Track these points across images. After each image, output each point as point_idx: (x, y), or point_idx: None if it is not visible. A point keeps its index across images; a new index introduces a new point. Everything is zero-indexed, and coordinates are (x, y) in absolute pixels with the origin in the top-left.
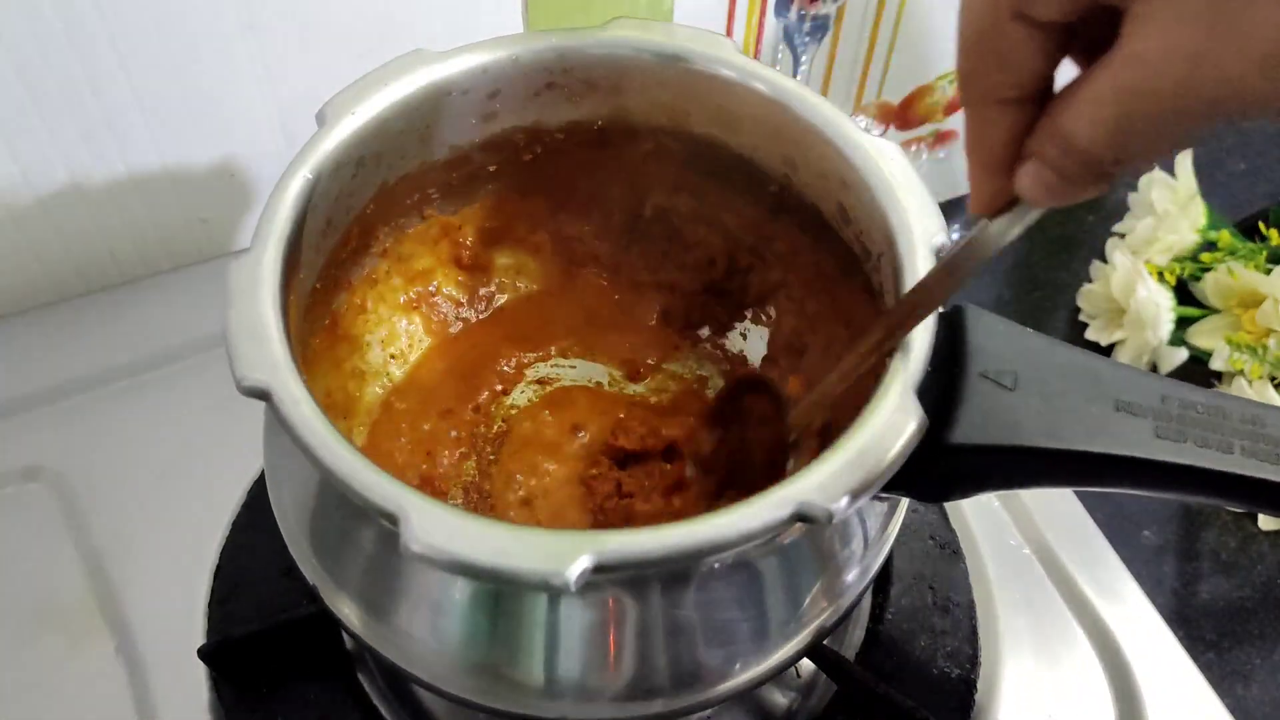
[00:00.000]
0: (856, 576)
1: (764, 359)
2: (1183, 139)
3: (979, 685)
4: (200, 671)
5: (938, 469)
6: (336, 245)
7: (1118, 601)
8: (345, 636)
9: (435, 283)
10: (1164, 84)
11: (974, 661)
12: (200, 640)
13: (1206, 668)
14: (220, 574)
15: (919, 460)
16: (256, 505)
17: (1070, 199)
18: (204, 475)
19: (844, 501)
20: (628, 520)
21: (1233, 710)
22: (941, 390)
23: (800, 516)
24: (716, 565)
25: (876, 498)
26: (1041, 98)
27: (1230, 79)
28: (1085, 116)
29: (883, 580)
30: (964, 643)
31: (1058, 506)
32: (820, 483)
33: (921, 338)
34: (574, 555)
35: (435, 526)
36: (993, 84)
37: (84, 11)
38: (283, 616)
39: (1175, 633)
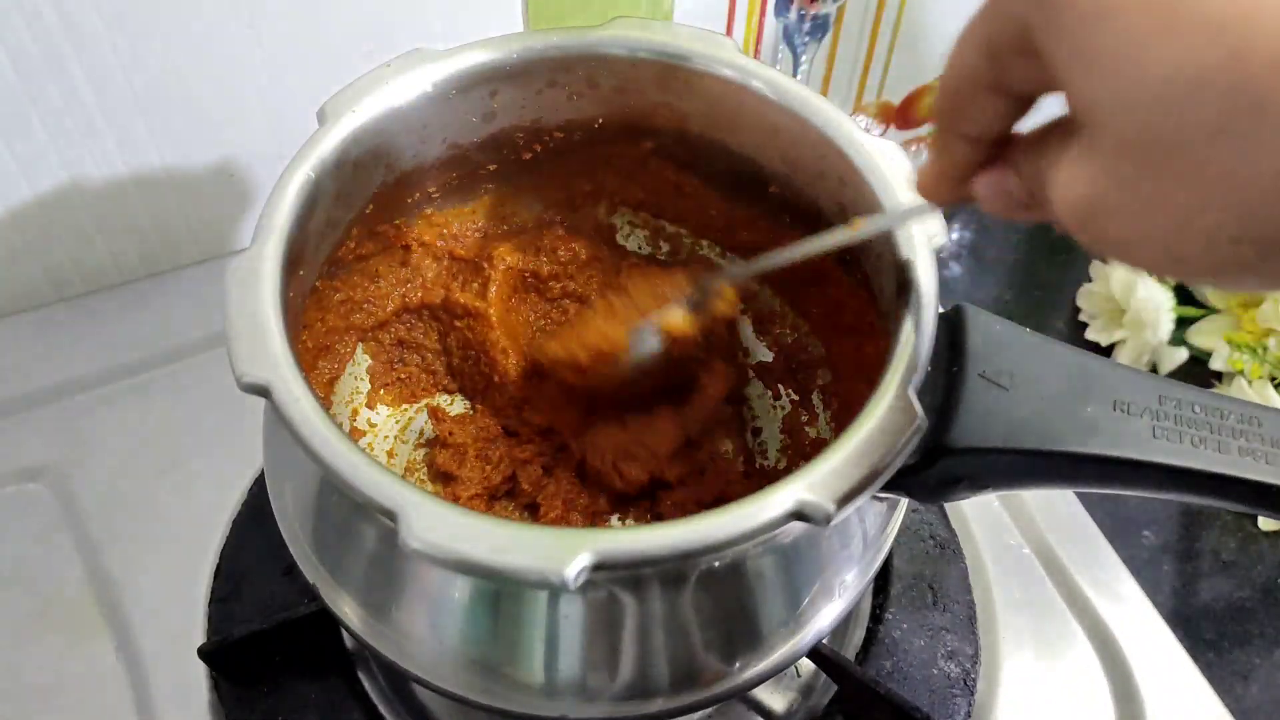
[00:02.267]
0: (855, 576)
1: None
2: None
3: (978, 685)
4: (200, 671)
5: (936, 469)
6: (336, 244)
7: (1117, 601)
8: (346, 636)
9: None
10: (1090, 220)
11: (973, 661)
12: (200, 639)
13: (1206, 668)
14: (220, 573)
15: (917, 460)
16: (257, 504)
17: (1018, 216)
18: (204, 475)
19: (842, 501)
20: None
21: (1232, 710)
22: (940, 390)
23: (799, 515)
24: (716, 564)
25: (875, 497)
26: (1003, 139)
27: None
28: (1059, 190)
29: (883, 580)
30: (964, 642)
31: (1058, 506)
32: (819, 482)
33: (921, 338)
34: (573, 553)
35: (435, 524)
36: (962, 127)
37: (84, 12)
38: (283, 616)
39: (1175, 633)
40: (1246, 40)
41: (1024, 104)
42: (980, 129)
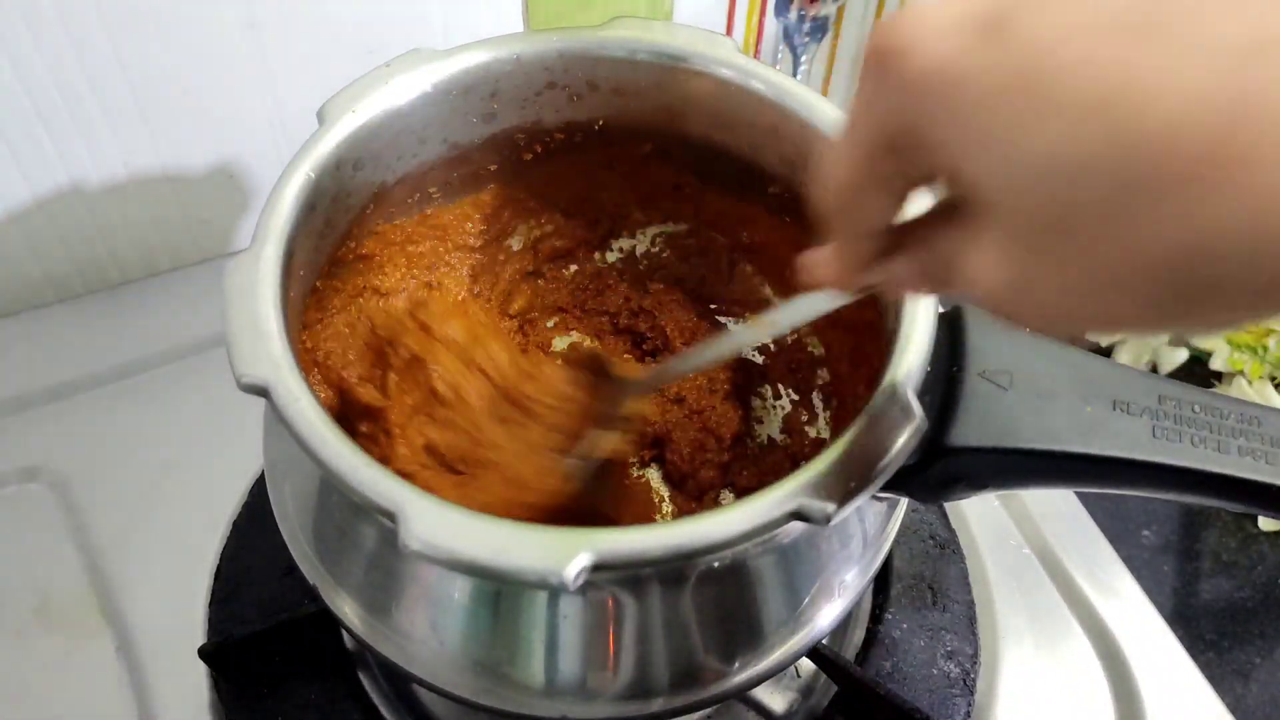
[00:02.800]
0: (855, 576)
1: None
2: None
3: (978, 685)
4: (201, 671)
5: (936, 469)
6: (336, 244)
7: (1117, 601)
8: (346, 636)
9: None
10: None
11: (973, 661)
12: (201, 640)
13: (1206, 667)
14: (221, 574)
15: (917, 461)
16: (257, 505)
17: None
18: (205, 475)
19: (842, 501)
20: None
21: (1232, 709)
22: (940, 391)
23: (798, 516)
24: (715, 564)
25: (875, 497)
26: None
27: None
28: (967, 282)
29: (883, 580)
30: (963, 642)
31: (1058, 506)
32: (818, 483)
33: (921, 338)
34: (573, 553)
35: (434, 524)
36: (855, 226)
37: (83, 12)
38: (283, 616)
39: (1175, 632)
40: (1122, 121)
41: (908, 193)
42: (872, 224)
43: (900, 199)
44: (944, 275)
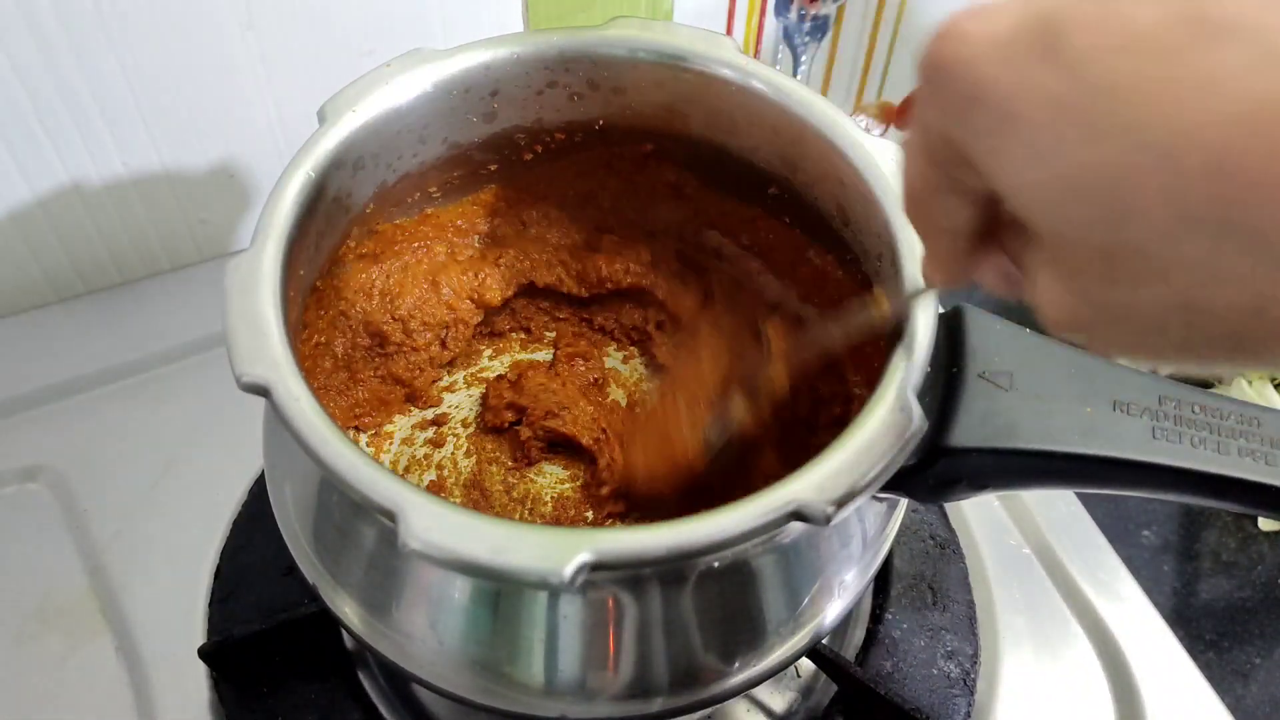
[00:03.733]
0: (855, 576)
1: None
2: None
3: (978, 685)
4: (201, 671)
5: (936, 469)
6: (336, 243)
7: (1117, 601)
8: (346, 636)
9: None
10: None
11: (973, 661)
12: (201, 640)
13: (1206, 667)
14: (221, 573)
15: (917, 461)
16: (257, 505)
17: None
18: (205, 475)
19: (841, 502)
20: None
21: (1232, 709)
22: (940, 391)
23: (798, 516)
24: (715, 564)
25: (875, 498)
26: (986, 225)
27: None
28: (1039, 312)
29: (883, 580)
30: (964, 642)
31: (1058, 506)
32: (818, 483)
33: (922, 339)
34: (572, 553)
35: (433, 523)
36: (934, 224)
37: (83, 12)
38: (283, 616)
39: (1175, 632)
40: (1176, 143)
41: (986, 200)
42: (951, 223)
43: (970, 205)
44: (1021, 288)
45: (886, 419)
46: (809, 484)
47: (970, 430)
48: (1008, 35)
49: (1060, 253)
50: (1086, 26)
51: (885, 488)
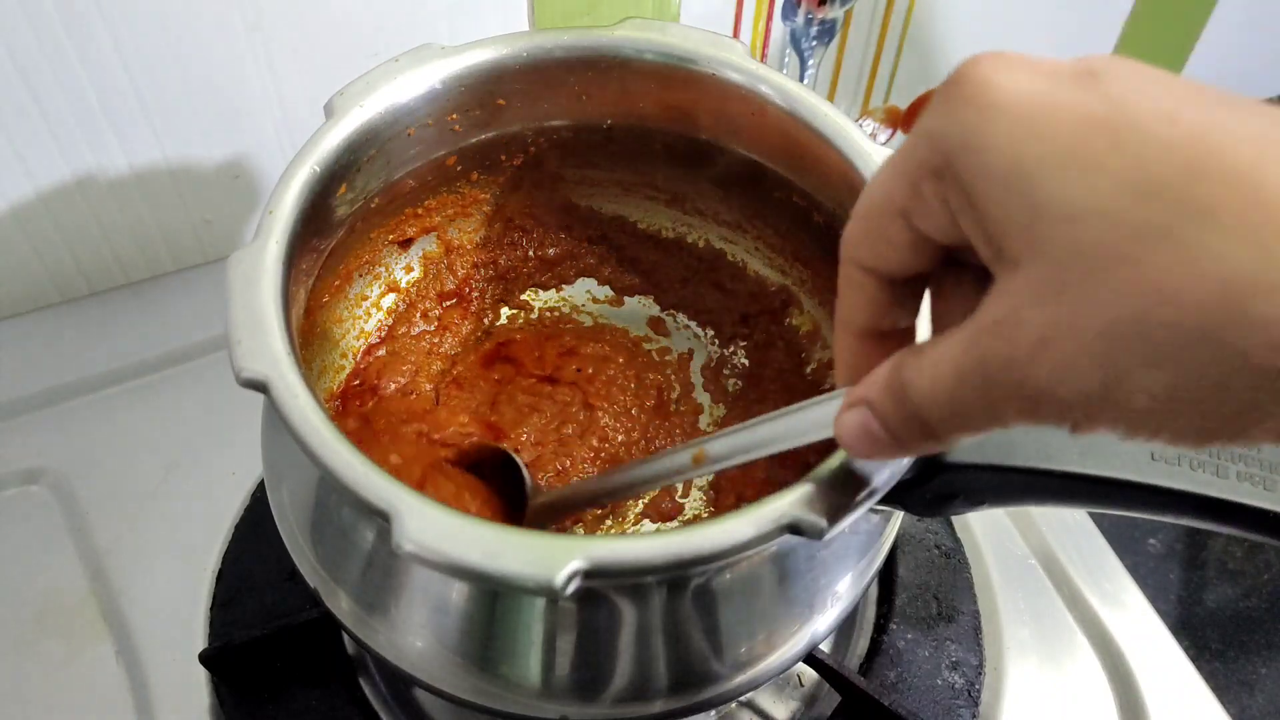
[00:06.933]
0: (849, 584)
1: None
2: (1018, 419)
3: (983, 696)
4: (201, 676)
5: (932, 485)
6: (340, 239)
7: (1122, 610)
8: (347, 642)
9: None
10: (1006, 359)
11: (978, 672)
12: (201, 644)
13: (1211, 676)
14: (222, 578)
15: (914, 475)
16: (259, 509)
17: (890, 456)
18: (206, 478)
19: (836, 517)
20: None
21: (1237, 719)
22: None
23: (793, 530)
24: (710, 572)
25: (871, 510)
26: (900, 295)
27: (1065, 375)
28: (927, 372)
29: (887, 590)
30: (968, 653)
31: (1063, 515)
32: (813, 498)
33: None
34: (565, 560)
35: (428, 526)
36: (865, 253)
37: (87, 12)
38: (285, 621)
39: (1180, 641)
40: (1200, 158)
41: (927, 250)
42: (882, 259)
43: (915, 240)
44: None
45: None
46: (804, 498)
47: (967, 446)
48: (1052, 67)
49: (1034, 273)
50: (1126, 72)
51: (881, 501)
